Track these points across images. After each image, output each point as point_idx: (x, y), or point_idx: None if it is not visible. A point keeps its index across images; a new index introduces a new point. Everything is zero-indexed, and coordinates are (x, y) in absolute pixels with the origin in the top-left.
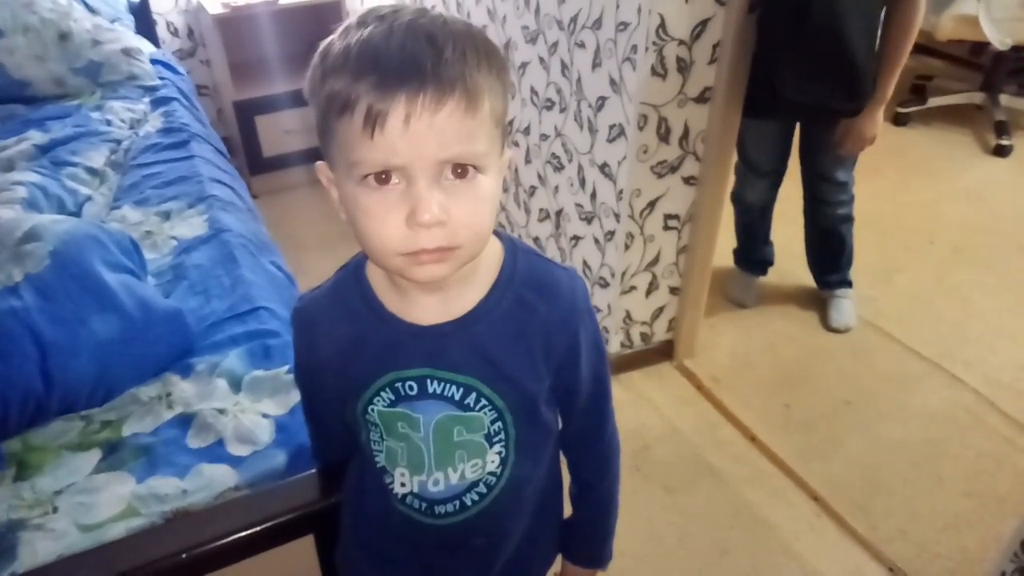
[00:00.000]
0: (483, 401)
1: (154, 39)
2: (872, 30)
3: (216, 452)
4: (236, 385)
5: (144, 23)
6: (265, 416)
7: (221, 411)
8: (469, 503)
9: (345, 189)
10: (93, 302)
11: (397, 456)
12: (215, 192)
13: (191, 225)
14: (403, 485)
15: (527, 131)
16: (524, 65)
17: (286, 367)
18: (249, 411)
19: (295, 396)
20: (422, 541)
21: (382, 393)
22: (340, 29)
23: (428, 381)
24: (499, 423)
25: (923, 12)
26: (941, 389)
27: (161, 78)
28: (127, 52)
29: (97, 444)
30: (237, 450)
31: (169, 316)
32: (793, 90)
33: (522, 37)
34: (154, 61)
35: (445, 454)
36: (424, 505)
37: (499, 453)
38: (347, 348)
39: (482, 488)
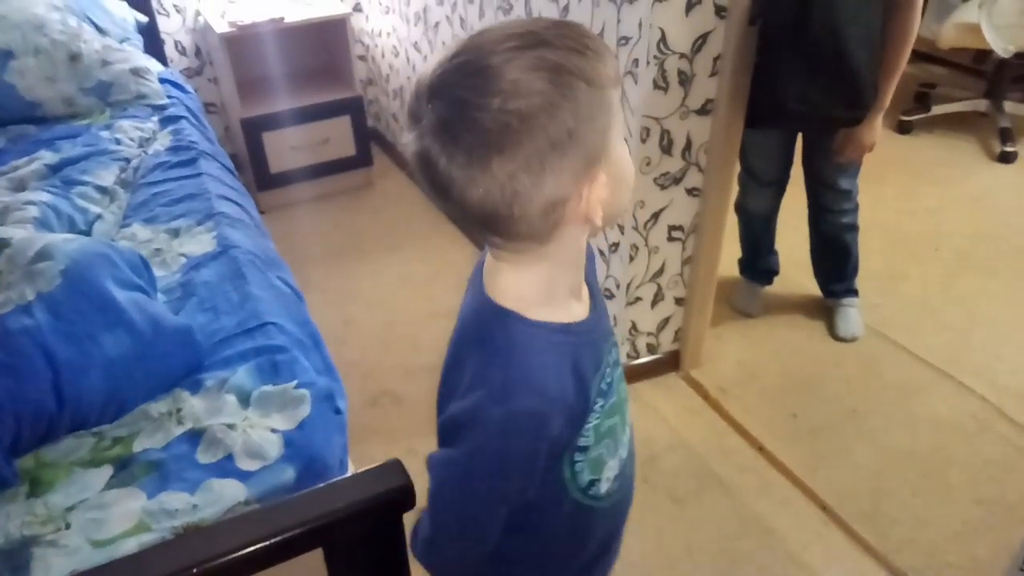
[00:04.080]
0: (614, 355)
1: (162, 58)
2: (872, 39)
3: (226, 467)
4: (245, 400)
5: (152, 43)
6: (274, 431)
7: (230, 426)
8: (626, 471)
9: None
10: (104, 320)
11: (603, 454)
12: (223, 209)
13: (200, 242)
14: (608, 480)
15: None
16: None
17: (294, 382)
18: (258, 426)
19: (303, 411)
20: (600, 529)
21: (599, 399)
22: None
23: (606, 367)
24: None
25: (919, 20)
26: (948, 397)
27: (169, 97)
28: (136, 72)
29: (108, 460)
30: (246, 465)
31: (179, 332)
32: (795, 100)
33: None
34: (163, 80)
35: (624, 423)
36: (608, 487)
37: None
38: (575, 385)
39: (628, 446)
